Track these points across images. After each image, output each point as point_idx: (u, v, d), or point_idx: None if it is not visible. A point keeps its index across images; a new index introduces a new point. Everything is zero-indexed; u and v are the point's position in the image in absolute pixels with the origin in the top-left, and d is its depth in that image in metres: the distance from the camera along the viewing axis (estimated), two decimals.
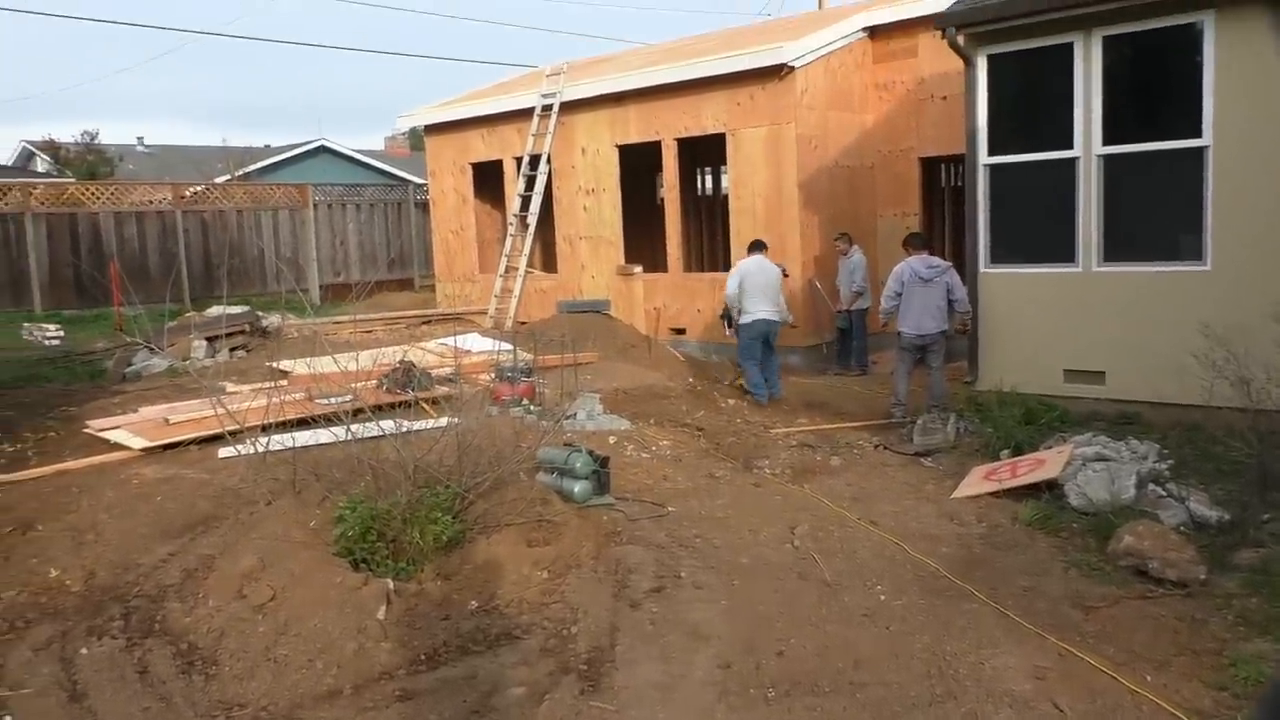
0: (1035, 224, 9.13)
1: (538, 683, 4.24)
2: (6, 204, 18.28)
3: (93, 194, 19.61)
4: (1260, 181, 7.74)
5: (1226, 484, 6.40)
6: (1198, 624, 4.69)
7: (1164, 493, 6.24)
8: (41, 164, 33.71)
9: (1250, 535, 5.69)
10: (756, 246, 10.68)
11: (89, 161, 32.27)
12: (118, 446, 7.87)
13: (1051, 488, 6.59)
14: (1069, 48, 8.54)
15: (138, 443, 7.82)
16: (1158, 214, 8.50)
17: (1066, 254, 8.73)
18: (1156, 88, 8.65)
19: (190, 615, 4.88)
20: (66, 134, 35.09)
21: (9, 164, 33.66)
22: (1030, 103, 9.30)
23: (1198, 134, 7.99)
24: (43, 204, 18.68)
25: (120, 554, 5.67)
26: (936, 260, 9.35)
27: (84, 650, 4.68)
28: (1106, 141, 8.44)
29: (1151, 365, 8.07)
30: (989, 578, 5.32)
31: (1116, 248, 8.53)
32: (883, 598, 5.09)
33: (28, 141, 35.46)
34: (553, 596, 5.03)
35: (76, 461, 7.55)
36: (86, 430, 8.44)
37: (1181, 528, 5.76)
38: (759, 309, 10.32)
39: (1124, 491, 6.26)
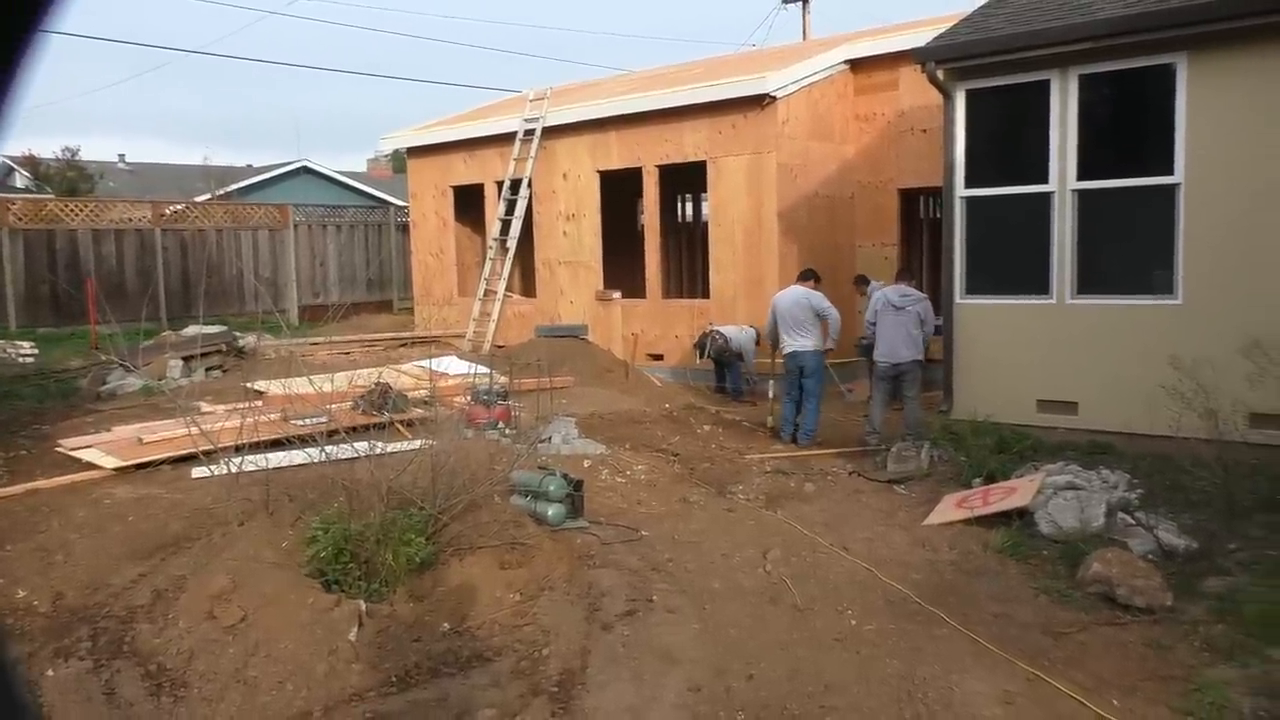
0: (1010, 256, 9.25)
1: (509, 705, 4.24)
2: None
3: (71, 211, 19.50)
4: (1229, 219, 7.88)
5: (1194, 513, 6.48)
6: (1164, 650, 4.75)
7: (1133, 521, 6.31)
8: (21, 179, 33.50)
9: (1217, 563, 5.77)
10: (803, 276, 10.25)
11: (69, 178, 32.12)
12: (90, 466, 7.80)
13: (1022, 515, 6.64)
14: (1045, 84, 8.69)
15: (110, 462, 7.76)
16: (1130, 248, 8.63)
17: (1041, 286, 8.85)
18: (1130, 125, 8.83)
19: (160, 636, 4.83)
20: (47, 150, 34.80)
21: None
22: (1007, 137, 9.45)
23: (1170, 171, 8.14)
24: (20, 220, 18.55)
25: (90, 574, 5.61)
26: (912, 290, 9.46)
27: (50, 672, 4.62)
28: (1081, 177, 8.58)
29: (1123, 396, 8.17)
30: (960, 604, 5.36)
31: (1090, 281, 8.66)
32: (854, 622, 5.11)
33: (7, 157, 35.23)
34: (525, 619, 5.03)
35: (48, 481, 7.48)
36: (59, 449, 8.37)
37: (1149, 556, 5.82)
38: (787, 342, 9.94)
39: (1094, 520, 6.32)
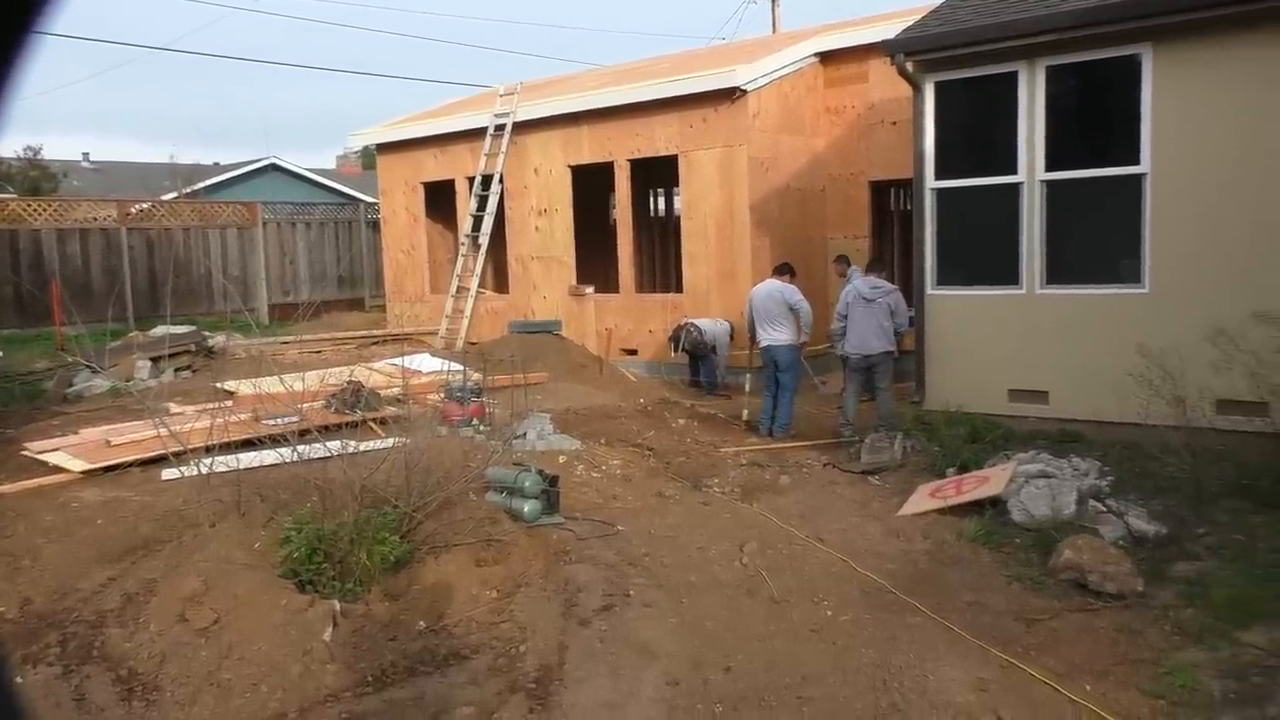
0: (981, 247, 9.31)
1: (486, 703, 4.23)
2: None
3: (35, 210, 19.18)
4: (1195, 208, 7.97)
5: (1164, 499, 6.56)
6: (1135, 634, 4.80)
7: (1104, 508, 6.38)
8: None
9: (1186, 548, 5.84)
10: (778, 270, 10.36)
11: (31, 177, 31.55)
12: (57, 469, 7.69)
13: (995, 504, 6.70)
14: (1013, 76, 8.75)
15: (78, 465, 7.66)
16: (1098, 238, 8.71)
17: (1011, 276, 8.91)
18: (1097, 116, 8.90)
19: (130, 641, 4.78)
20: (8, 149, 34.15)
21: None
22: (976, 128, 9.50)
23: (1136, 161, 8.22)
24: None
25: (58, 579, 5.54)
26: (882, 282, 9.51)
27: (18, 679, 4.56)
28: (1049, 167, 8.64)
29: (1092, 385, 8.24)
30: (934, 593, 5.39)
31: (1059, 270, 8.72)
32: (829, 613, 5.14)
33: None
34: (501, 616, 5.02)
35: (13, 485, 7.36)
36: (25, 453, 8.24)
37: (1120, 542, 5.89)
38: (762, 335, 10.03)
39: (1065, 507, 6.38)
